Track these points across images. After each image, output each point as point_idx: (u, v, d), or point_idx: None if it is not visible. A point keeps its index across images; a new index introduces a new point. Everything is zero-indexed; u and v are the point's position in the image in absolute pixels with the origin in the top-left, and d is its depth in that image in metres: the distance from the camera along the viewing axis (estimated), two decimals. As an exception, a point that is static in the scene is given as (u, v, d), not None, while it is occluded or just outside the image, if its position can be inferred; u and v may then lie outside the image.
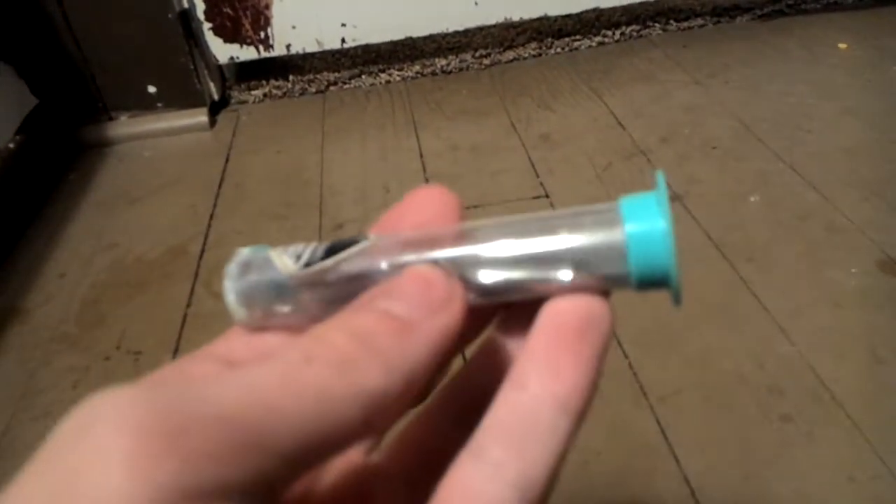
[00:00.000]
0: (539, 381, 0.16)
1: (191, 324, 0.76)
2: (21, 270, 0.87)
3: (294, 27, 1.16)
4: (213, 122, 1.16)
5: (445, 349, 0.16)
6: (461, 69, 1.27)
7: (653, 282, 0.17)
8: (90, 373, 0.72)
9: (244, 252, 0.19)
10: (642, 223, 0.17)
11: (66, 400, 0.69)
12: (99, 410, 0.13)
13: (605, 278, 0.17)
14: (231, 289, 0.19)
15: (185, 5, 1.11)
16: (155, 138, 1.13)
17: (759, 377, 0.65)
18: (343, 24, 1.17)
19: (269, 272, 0.18)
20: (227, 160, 1.07)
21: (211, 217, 0.94)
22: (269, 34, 1.16)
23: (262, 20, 1.15)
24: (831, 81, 1.09)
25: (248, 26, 1.15)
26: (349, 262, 0.18)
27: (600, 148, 0.99)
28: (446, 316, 0.16)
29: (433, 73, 1.27)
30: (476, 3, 1.18)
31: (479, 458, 0.16)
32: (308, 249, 0.18)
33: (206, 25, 1.13)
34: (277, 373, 0.14)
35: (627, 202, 0.17)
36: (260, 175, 1.03)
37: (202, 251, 0.87)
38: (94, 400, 0.13)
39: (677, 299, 0.17)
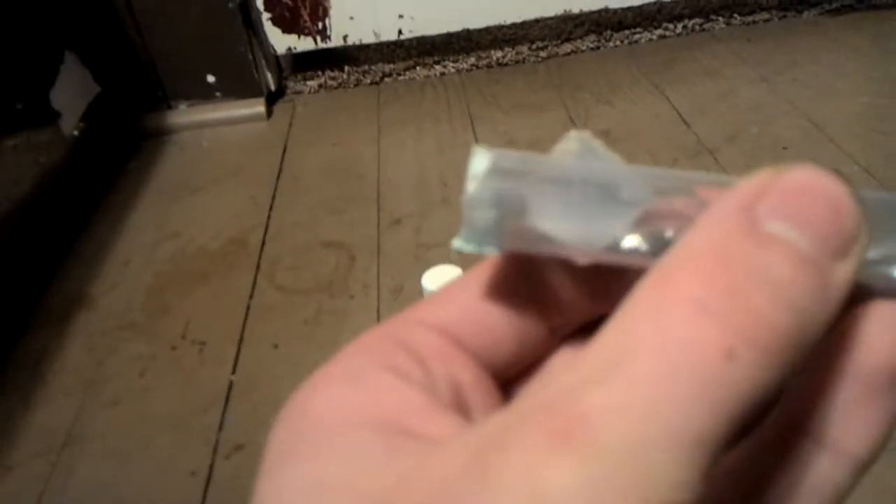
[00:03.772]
0: None
1: (254, 316, 0.76)
2: (86, 258, 0.89)
3: (352, 18, 1.16)
4: (269, 113, 1.16)
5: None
6: (517, 62, 1.25)
7: None
8: (157, 361, 0.73)
9: (488, 156, 0.14)
10: None
11: (134, 388, 0.70)
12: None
13: None
14: (482, 201, 0.13)
15: (246, -5, 1.11)
16: (213, 128, 1.13)
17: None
18: (400, 16, 1.16)
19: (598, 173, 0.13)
20: (284, 151, 1.07)
21: (270, 209, 0.94)
22: (327, 25, 1.16)
23: (320, 11, 1.14)
24: (906, 80, 1.05)
25: (306, 17, 1.15)
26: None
27: (664, 145, 0.97)
28: (853, 263, 0.12)
29: (488, 66, 1.25)
30: (535, -5, 1.16)
31: None
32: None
33: (265, 16, 1.13)
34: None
35: None
36: (317, 167, 1.03)
37: (262, 243, 0.88)
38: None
39: None
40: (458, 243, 0.14)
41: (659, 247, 0.13)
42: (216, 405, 0.66)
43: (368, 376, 0.13)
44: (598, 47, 1.25)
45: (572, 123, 1.05)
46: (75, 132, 1.02)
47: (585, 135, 0.14)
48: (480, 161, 0.14)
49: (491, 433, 0.11)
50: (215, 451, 0.62)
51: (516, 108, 1.12)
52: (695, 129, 0.99)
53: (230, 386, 0.68)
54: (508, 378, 0.15)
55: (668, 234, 0.13)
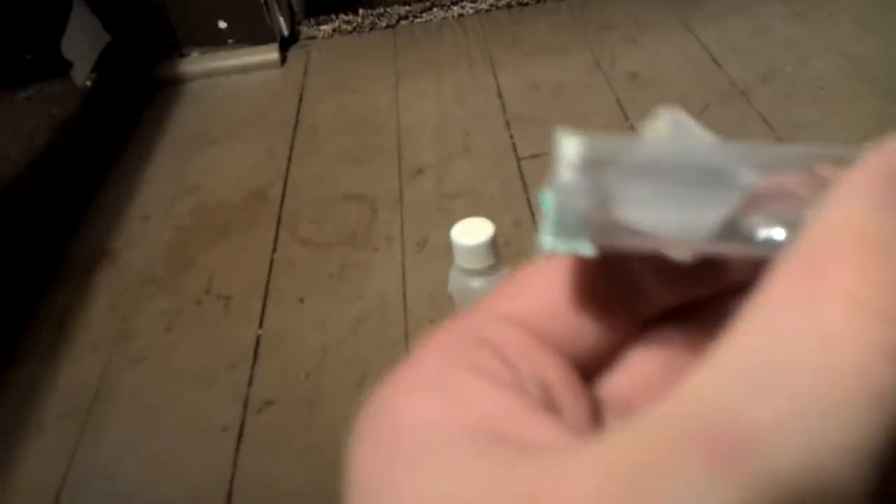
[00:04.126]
0: None
1: (278, 270, 0.75)
2: (105, 213, 0.87)
3: (366, -43, 1.11)
4: (283, 59, 1.13)
5: None
6: (539, 1, 1.20)
7: None
8: (182, 317, 0.72)
9: (577, 142, 0.12)
10: None
11: (160, 344, 0.69)
12: None
13: None
14: (576, 193, 0.12)
15: (256, -65, 1.07)
16: (227, 76, 1.10)
17: None
18: (416, -46, 1.12)
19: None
20: (300, 100, 1.04)
21: (289, 160, 0.92)
22: (341, -35, 1.11)
23: (332, -50, 1.10)
24: (951, 13, 1.00)
25: (318, -43, 1.10)
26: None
27: (695, 87, 0.93)
28: None
29: (509, 6, 1.20)
30: (558, -71, 1.11)
31: None
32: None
33: (277, -43, 1.09)
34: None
35: None
36: (334, 117, 1.00)
37: (283, 196, 0.86)
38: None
39: None
40: (549, 241, 0.12)
41: (774, 233, 0.12)
42: (244, 360, 0.66)
43: (453, 379, 0.12)
44: (623, -16, 1.20)
45: (598, 66, 1.02)
46: (88, 83, 1.00)
47: (677, 113, 0.13)
48: (569, 148, 0.12)
49: (630, 449, 0.09)
50: (245, 406, 0.62)
51: (539, 51, 1.08)
52: (726, 69, 0.95)
53: (258, 340, 0.68)
54: (586, 370, 0.14)
55: (784, 217, 0.12)
